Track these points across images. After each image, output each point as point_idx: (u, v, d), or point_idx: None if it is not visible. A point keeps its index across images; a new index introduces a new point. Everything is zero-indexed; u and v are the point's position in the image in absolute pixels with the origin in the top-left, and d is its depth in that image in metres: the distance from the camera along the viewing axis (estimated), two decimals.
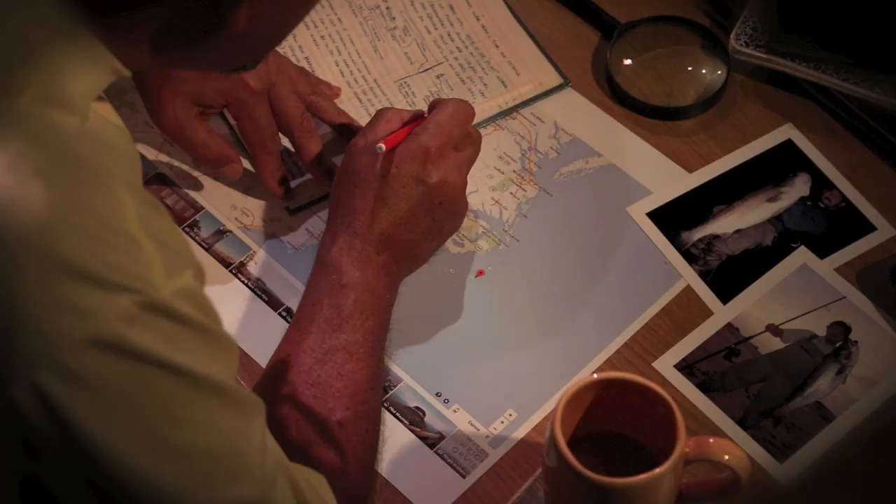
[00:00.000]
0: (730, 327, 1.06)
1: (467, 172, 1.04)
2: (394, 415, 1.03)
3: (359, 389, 0.96)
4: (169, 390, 0.74)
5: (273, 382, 0.97)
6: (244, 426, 0.78)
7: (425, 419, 1.03)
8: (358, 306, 0.98)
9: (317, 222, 1.12)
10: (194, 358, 0.75)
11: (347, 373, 0.96)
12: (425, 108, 1.06)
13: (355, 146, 1.03)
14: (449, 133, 1.02)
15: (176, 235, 0.77)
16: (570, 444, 0.89)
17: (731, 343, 1.06)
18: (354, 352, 0.97)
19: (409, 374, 1.05)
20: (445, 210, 1.02)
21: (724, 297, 1.08)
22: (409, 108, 1.18)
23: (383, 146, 0.99)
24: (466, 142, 1.04)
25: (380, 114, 1.04)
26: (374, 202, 1.00)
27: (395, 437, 1.02)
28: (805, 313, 1.07)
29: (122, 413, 0.73)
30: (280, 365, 0.98)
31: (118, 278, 0.71)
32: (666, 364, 1.05)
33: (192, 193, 1.14)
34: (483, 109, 1.18)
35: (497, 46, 1.22)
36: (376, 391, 0.98)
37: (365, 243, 1.00)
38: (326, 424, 0.94)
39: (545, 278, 1.10)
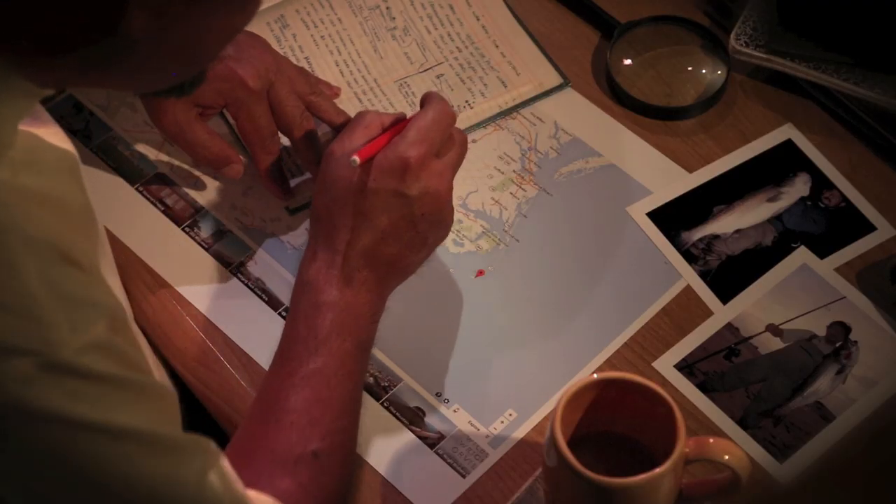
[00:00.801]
0: (730, 327, 1.06)
1: (452, 178, 0.99)
2: (394, 415, 1.03)
3: (336, 416, 0.94)
4: (77, 445, 0.73)
5: (256, 409, 0.95)
6: (173, 470, 0.77)
7: (425, 419, 1.03)
8: (335, 327, 0.95)
9: None
10: (107, 410, 0.74)
11: (324, 399, 0.94)
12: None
13: (331, 155, 0.97)
14: (430, 140, 0.96)
15: (86, 286, 0.76)
16: (570, 444, 0.89)
17: (731, 343, 1.06)
18: (331, 376, 0.94)
19: (409, 374, 1.05)
20: (428, 221, 0.98)
21: (724, 297, 1.08)
22: (408, 108, 1.18)
23: (357, 159, 0.94)
24: (449, 145, 0.99)
25: (359, 117, 0.99)
26: (353, 218, 0.96)
27: (395, 437, 1.02)
28: (805, 313, 1.07)
29: (28, 474, 0.72)
30: (263, 390, 0.96)
31: (13, 341, 0.71)
32: (666, 364, 1.05)
33: (192, 193, 1.14)
34: (483, 109, 1.18)
35: (497, 46, 1.22)
36: (354, 417, 0.96)
37: (345, 261, 0.96)
38: (302, 455, 0.92)
39: (545, 278, 1.10)
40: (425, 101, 0.99)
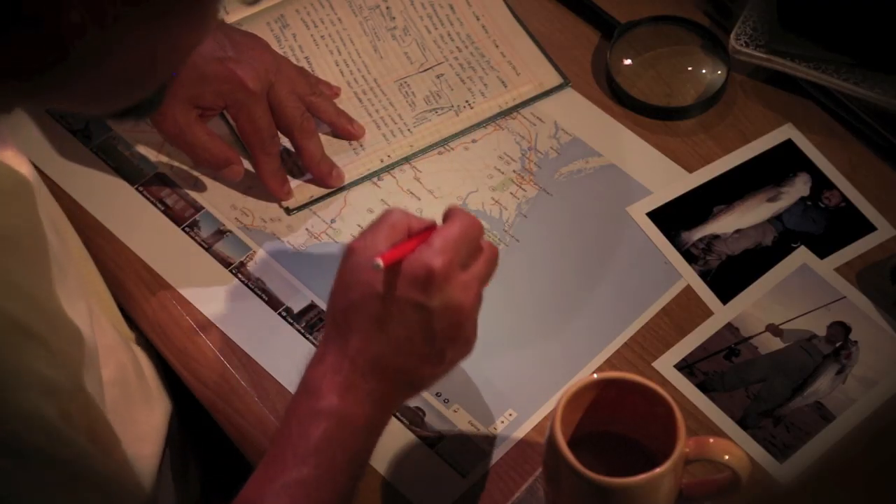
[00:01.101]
0: (730, 327, 1.06)
1: (478, 292, 0.92)
2: (394, 415, 1.03)
3: None
4: None
5: None
6: None
7: (425, 419, 1.03)
8: (329, 437, 0.89)
9: (317, 222, 1.12)
10: (28, 490, 0.70)
11: None
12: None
13: (353, 252, 0.91)
14: (456, 250, 0.89)
15: (20, 352, 0.72)
16: (570, 444, 0.89)
17: (731, 343, 1.06)
18: (314, 490, 0.88)
19: None
20: (448, 337, 0.90)
21: (724, 297, 1.08)
22: (409, 107, 1.18)
23: (381, 263, 0.87)
24: (476, 257, 0.92)
25: (385, 216, 0.92)
26: (369, 324, 0.90)
27: (395, 437, 1.02)
28: (805, 313, 1.07)
29: None
30: (244, 490, 0.90)
31: None
32: (666, 364, 1.05)
33: (192, 193, 1.14)
34: (483, 109, 1.18)
35: (497, 46, 1.22)
36: None
37: (353, 367, 0.90)
38: None
39: (545, 278, 1.10)
40: (450, 214, 0.92)
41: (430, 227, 0.92)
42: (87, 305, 0.86)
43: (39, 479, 0.71)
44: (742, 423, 1.02)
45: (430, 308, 0.88)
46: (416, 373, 0.92)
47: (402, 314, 0.89)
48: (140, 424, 0.98)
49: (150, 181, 1.14)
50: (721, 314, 1.07)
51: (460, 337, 0.91)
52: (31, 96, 0.74)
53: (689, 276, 1.09)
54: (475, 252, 0.91)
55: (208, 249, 1.11)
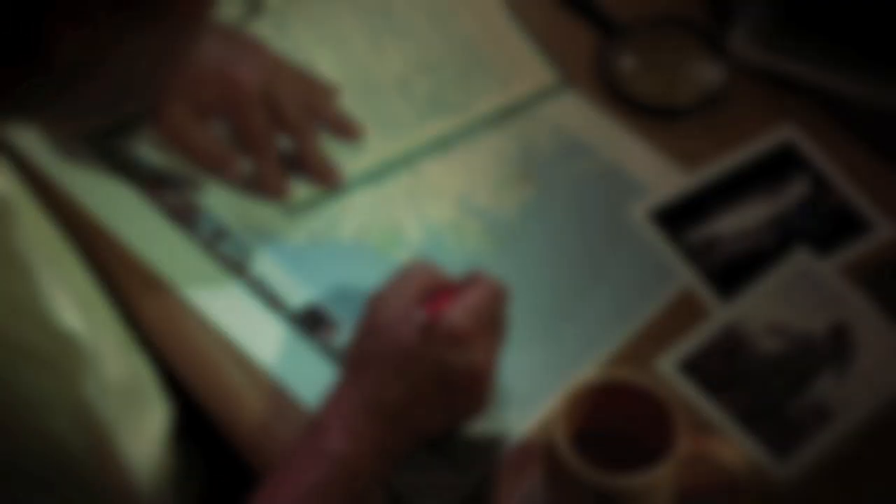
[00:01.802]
0: (730, 327, 1.06)
1: (497, 356, 0.97)
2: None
3: None
4: None
5: None
6: None
7: None
8: (326, 480, 0.89)
9: (317, 222, 1.12)
10: None
11: None
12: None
13: (381, 300, 0.95)
14: (482, 315, 0.94)
15: (30, 375, 0.71)
16: (570, 444, 0.89)
17: (731, 343, 1.06)
18: None
19: None
20: (463, 395, 0.95)
21: (724, 297, 1.08)
22: (409, 107, 1.18)
23: (425, 317, 0.92)
24: (498, 322, 0.97)
25: (412, 266, 0.97)
26: (390, 372, 0.92)
27: None
28: (805, 313, 1.07)
29: None
30: None
31: None
32: (666, 364, 1.05)
33: (193, 193, 1.14)
34: (483, 109, 1.18)
35: (496, 46, 1.22)
36: None
37: (366, 412, 0.91)
38: None
39: (545, 278, 1.10)
40: (477, 277, 0.97)
41: (458, 285, 0.96)
42: (79, 315, 0.85)
43: (40, 500, 0.72)
44: (742, 423, 1.02)
45: (452, 365, 0.92)
46: (425, 425, 0.95)
47: (424, 367, 0.92)
48: (139, 432, 0.98)
49: (150, 181, 1.14)
50: (721, 314, 1.07)
51: (475, 396, 0.96)
52: (15, 115, 0.71)
53: (689, 276, 1.09)
54: (499, 319, 0.96)
55: (208, 249, 1.11)
